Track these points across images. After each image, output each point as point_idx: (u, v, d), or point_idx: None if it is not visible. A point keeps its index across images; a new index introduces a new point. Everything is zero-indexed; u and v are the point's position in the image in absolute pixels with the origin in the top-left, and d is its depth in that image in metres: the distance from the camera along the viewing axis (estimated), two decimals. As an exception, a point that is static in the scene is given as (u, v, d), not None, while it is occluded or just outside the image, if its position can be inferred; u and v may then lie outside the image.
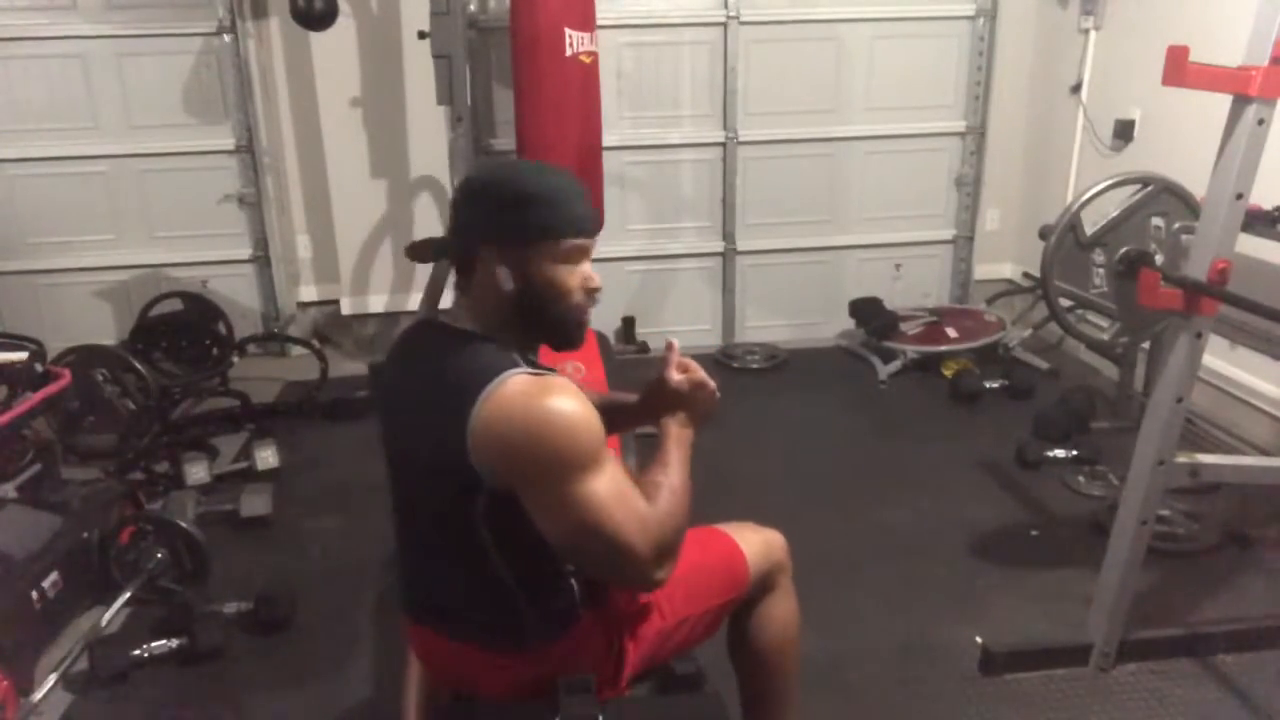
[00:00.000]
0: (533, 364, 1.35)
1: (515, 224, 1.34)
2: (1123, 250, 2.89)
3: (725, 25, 4.28)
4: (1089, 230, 2.90)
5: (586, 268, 1.40)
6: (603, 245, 4.08)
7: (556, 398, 1.26)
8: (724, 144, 4.43)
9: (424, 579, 1.50)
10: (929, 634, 2.45)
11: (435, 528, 1.42)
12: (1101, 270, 2.94)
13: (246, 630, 2.48)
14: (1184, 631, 2.38)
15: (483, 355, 1.32)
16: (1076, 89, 4.24)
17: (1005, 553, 2.82)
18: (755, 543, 1.72)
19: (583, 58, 3.52)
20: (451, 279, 1.52)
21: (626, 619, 1.55)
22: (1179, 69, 1.92)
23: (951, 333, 4.27)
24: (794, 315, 4.70)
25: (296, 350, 4.42)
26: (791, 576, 1.79)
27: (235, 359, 4.09)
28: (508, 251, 1.35)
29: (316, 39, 4.04)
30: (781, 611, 1.74)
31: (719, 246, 4.58)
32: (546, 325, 1.40)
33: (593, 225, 1.41)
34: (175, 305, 4.10)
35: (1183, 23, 3.53)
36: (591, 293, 1.41)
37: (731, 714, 1.63)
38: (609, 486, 1.28)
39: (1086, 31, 4.15)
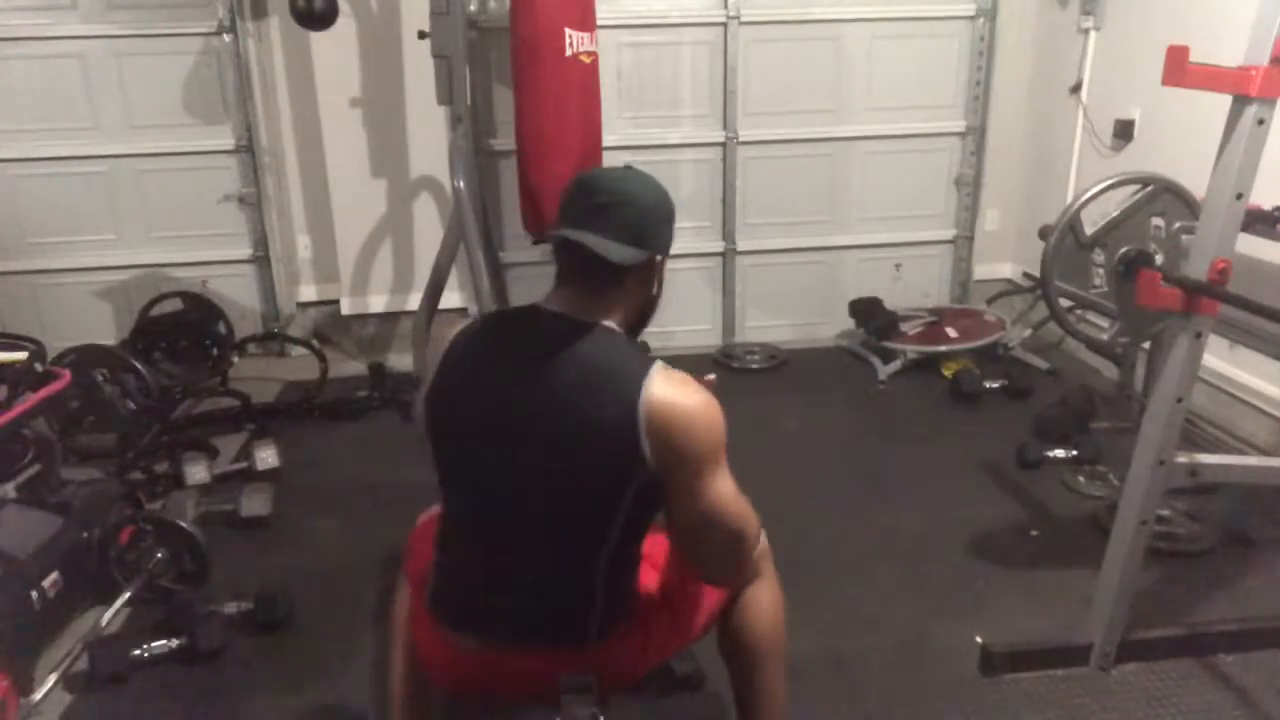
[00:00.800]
0: None
1: (671, 237, 1.53)
2: (1123, 250, 2.89)
3: (725, 25, 4.28)
4: (1089, 230, 2.90)
5: None
6: (603, 245, 4.07)
7: (703, 391, 1.41)
8: (724, 144, 4.43)
9: (492, 577, 1.48)
10: (929, 634, 2.45)
11: (551, 513, 1.43)
12: (1101, 270, 2.94)
13: (246, 630, 2.48)
14: (1184, 631, 2.38)
15: (627, 347, 1.44)
16: (1076, 89, 4.23)
17: (1005, 553, 2.82)
18: None
19: (583, 58, 3.52)
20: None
21: (649, 615, 1.57)
22: (1179, 69, 1.92)
23: (951, 333, 4.27)
24: (794, 315, 4.70)
25: (296, 350, 4.42)
26: (773, 563, 1.80)
27: (235, 359, 4.10)
28: (664, 260, 1.53)
29: (316, 39, 4.03)
30: (768, 597, 1.75)
31: (719, 246, 4.58)
32: (649, 320, 1.58)
33: None
34: (175, 305, 4.10)
35: (1183, 23, 3.53)
36: None
37: (731, 714, 1.63)
38: (730, 479, 1.43)
39: (1086, 31, 4.15)
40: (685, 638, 1.67)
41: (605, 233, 1.42)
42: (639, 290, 1.50)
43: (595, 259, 1.40)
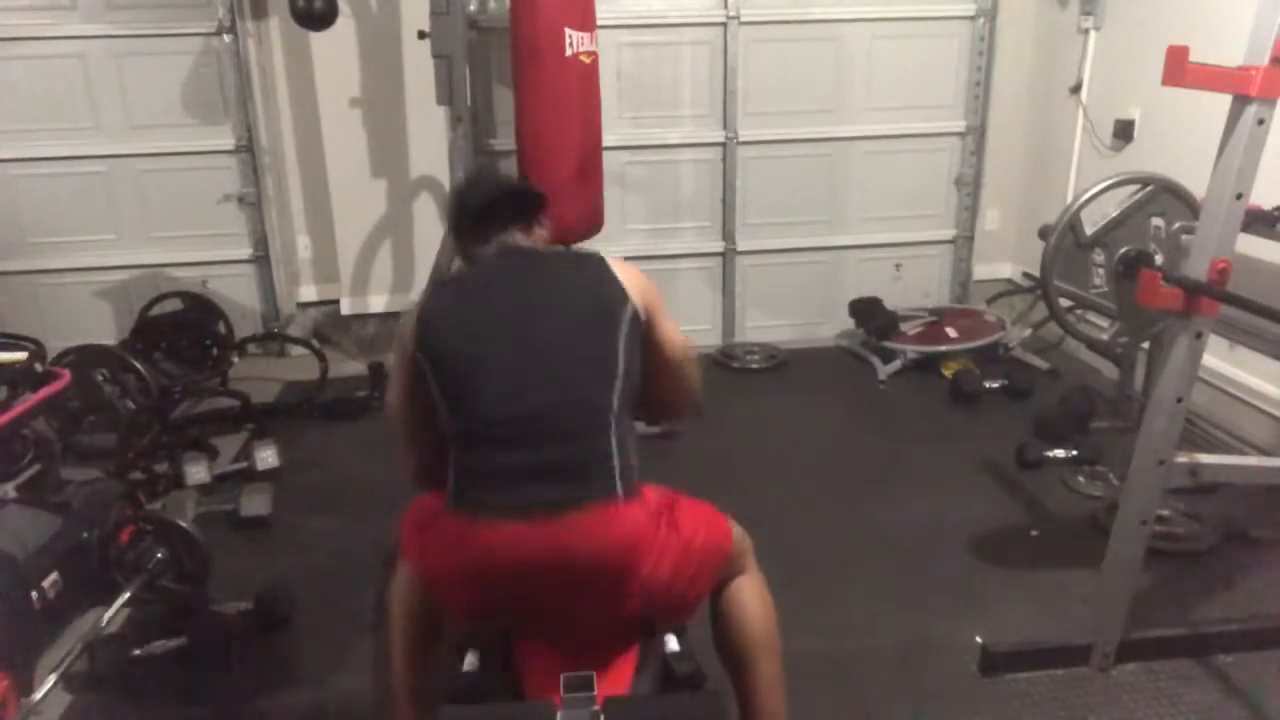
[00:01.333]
0: None
1: None
2: (1123, 250, 2.89)
3: (725, 25, 4.28)
4: (1089, 230, 2.90)
5: None
6: (602, 245, 4.07)
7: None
8: (724, 144, 4.43)
9: (519, 444, 1.58)
10: (929, 634, 2.45)
11: (564, 368, 1.63)
12: (1101, 270, 2.94)
13: (246, 630, 2.48)
14: (1184, 631, 2.38)
15: (574, 250, 1.95)
16: (1076, 89, 4.24)
17: (1005, 553, 2.82)
18: (727, 519, 1.83)
19: (583, 58, 3.52)
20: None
21: (660, 513, 1.63)
22: (1179, 69, 1.92)
23: (951, 333, 4.27)
24: (794, 315, 4.71)
25: (296, 350, 4.42)
26: (755, 559, 1.84)
27: (235, 359, 4.10)
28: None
29: (316, 39, 4.03)
30: (757, 588, 1.81)
31: (719, 246, 4.58)
32: None
33: None
34: (175, 305, 4.10)
35: (1183, 23, 3.53)
36: None
37: (730, 714, 1.63)
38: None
39: (1086, 31, 4.15)
40: (682, 585, 1.66)
41: (536, 202, 1.89)
42: (548, 229, 1.90)
43: (528, 194, 1.89)
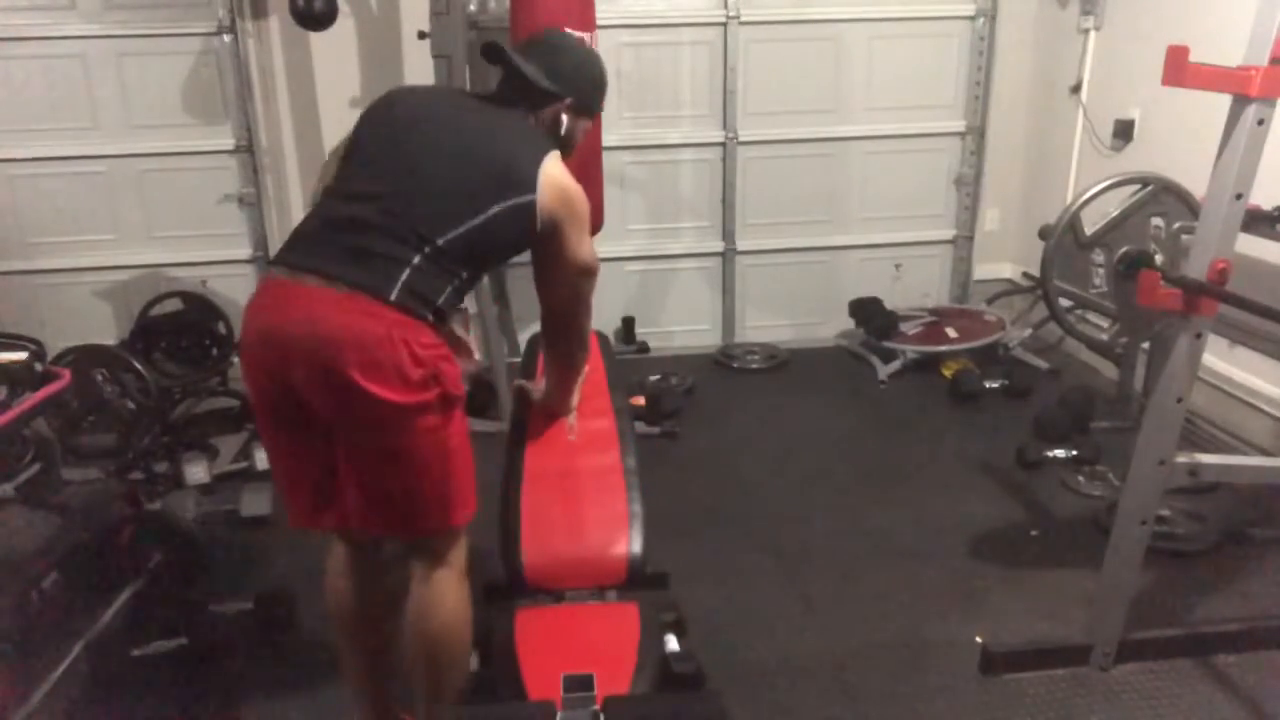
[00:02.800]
0: None
1: (594, 104, 2.04)
2: (1123, 250, 2.90)
3: (725, 25, 4.28)
4: (1089, 230, 2.91)
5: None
6: (602, 245, 4.07)
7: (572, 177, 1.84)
8: (724, 144, 4.43)
9: (348, 222, 1.68)
10: (929, 634, 2.45)
11: (432, 192, 1.70)
12: (1101, 270, 2.95)
13: (246, 630, 2.48)
14: (1184, 631, 2.38)
15: (536, 130, 1.87)
16: (1076, 89, 4.24)
17: (1005, 553, 2.82)
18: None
19: (583, 58, 3.52)
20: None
21: (432, 382, 1.64)
22: (1179, 69, 1.92)
23: (951, 333, 4.27)
24: (794, 315, 4.71)
25: (296, 350, 4.41)
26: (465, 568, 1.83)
27: (235, 359, 4.09)
28: (577, 116, 1.95)
29: (316, 39, 4.03)
30: (460, 588, 1.79)
31: (719, 246, 4.58)
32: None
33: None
34: (175, 305, 4.10)
35: (1183, 23, 3.53)
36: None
37: (731, 714, 1.63)
38: (590, 244, 1.88)
39: (1086, 31, 4.15)
40: (427, 464, 1.68)
41: (534, 62, 1.87)
42: (549, 126, 1.88)
43: (519, 74, 1.85)
